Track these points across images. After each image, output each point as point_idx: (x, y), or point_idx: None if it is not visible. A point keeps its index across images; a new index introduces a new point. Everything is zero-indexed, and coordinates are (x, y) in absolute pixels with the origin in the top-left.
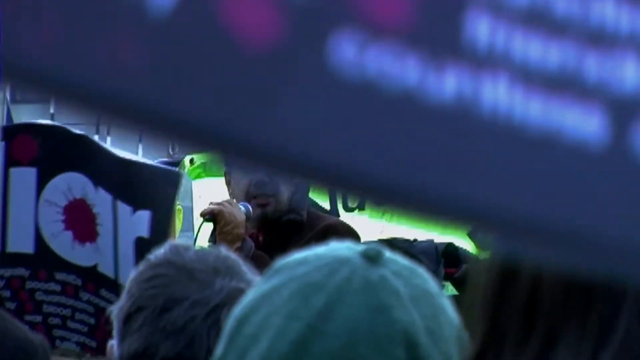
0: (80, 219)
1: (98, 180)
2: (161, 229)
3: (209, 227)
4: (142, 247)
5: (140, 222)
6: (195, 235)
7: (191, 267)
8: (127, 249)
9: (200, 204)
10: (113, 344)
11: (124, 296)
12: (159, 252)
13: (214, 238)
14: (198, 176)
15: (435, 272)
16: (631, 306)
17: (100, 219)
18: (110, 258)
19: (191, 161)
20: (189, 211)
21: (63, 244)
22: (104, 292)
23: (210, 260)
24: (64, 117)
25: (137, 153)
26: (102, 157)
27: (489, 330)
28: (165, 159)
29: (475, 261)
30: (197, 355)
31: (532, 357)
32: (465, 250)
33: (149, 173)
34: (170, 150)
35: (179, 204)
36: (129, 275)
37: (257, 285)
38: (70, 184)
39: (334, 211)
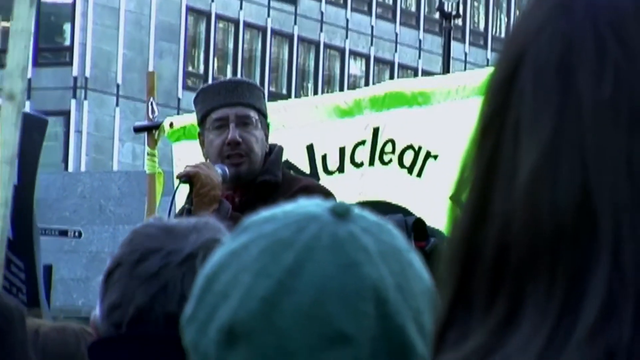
0: None
1: None
2: (30, 176)
3: (185, 189)
4: (15, 194)
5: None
6: (172, 197)
7: (171, 225)
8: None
9: (181, 168)
10: (96, 313)
11: (109, 260)
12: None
13: (190, 200)
14: (177, 139)
15: None
16: (607, 258)
17: None
18: None
19: (171, 125)
20: (169, 175)
21: None
22: None
23: (191, 221)
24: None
25: (114, 116)
26: None
27: (456, 296)
28: (145, 122)
29: (443, 234)
30: (171, 299)
31: (498, 320)
32: (431, 226)
33: None
34: (149, 114)
35: (159, 168)
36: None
37: (226, 243)
38: None
39: (314, 174)
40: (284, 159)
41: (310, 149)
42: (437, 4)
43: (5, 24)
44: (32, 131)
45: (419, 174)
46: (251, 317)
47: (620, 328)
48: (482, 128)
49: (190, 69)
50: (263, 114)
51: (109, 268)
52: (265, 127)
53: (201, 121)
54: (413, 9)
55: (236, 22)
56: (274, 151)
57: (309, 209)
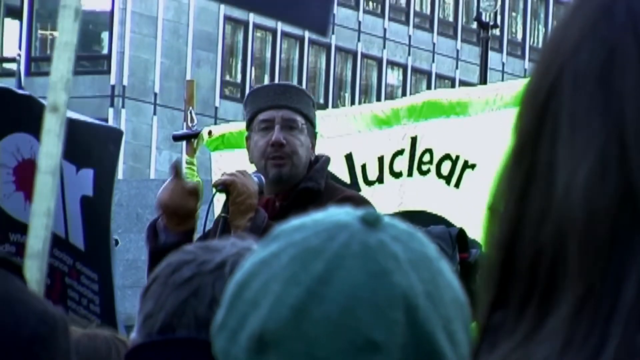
0: (30, 179)
1: None
2: (104, 187)
3: (222, 197)
4: (87, 205)
5: (84, 180)
6: (208, 206)
7: (208, 243)
8: (74, 208)
9: (219, 177)
10: (133, 336)
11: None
12: None
13: (226, 209)
14: (216, 148)
15: (451, 257)
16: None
17: None
18: (60, 217)
19: (209, 133)
20: (207, 184)
21: (15, 205)
22: (56, 252)
23: (229, 239)
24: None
25: (151, 125)
26: None
27: (495, 303)
28: (183, 131)
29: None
30: (202, 303)
31: (530, 324)
32: (471, 237)
33: (91, 131)
34: (188, 123)
35: (197, 177)
36: (78, 235)
37: (256, 251)
38: (19, 145)
39: (355, 183)
40: None
41: (349, 158)
42: (474, 14)
43: (42, 32)
44: (107, 142)
45: (457, 185)
46: (281, 326)
47: None
48: (519, 138)
49: (227, 78)
50: (310, 121)
51: (147, 284)
52: (312, 134)
53: (249, 123)
54: (451, 18)
55: (274, 32)
56: (321, 160)
57: (339, 217)
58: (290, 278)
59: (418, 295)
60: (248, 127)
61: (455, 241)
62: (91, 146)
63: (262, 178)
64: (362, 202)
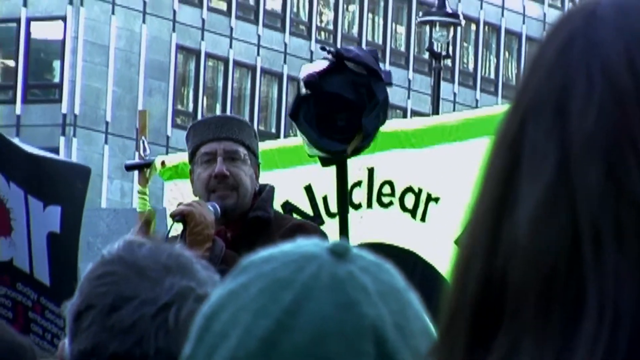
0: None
1: (10, 175)
2: (72, 224)
3: (179, 228)
4: (54, 242)
5: (51, 217)
6: (166, 236)
7: (142, 265)
8: (40, 244)
9: (173, 207)
10: (65, 343)
11: (76, 293)
12: (112, 248)
13: (184, 239)
14: (170, 177)
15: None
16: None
17: (14, 214)
18: (25, 253)
19: (162, 163)
20: (161, 213)
21: None
22: (20, 286)
23: (162, 258)
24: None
25: (102, 154)
26: (14, 152)
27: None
28: (136, 161)
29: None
30: (146, 353)
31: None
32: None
33: (59, 168)
34: (141, 152)
35: (150, 206)
36: (44, 270)
37: (225, 283)
38: None
39: (318, 215)
40: (284, 200)
41: (309, 190)
42: (426, 44)
43: None
44: (75, 179)
45: (423, 218)
46: (250, 357)
47: None
48: (490, 172)
49: (179, 107)
50: (253, 152)
51: (78, 307)
52: (256, 165)
53: (191, 156)
54: (402, 48)
55: (225, 61)
56: (266, 189)
57: (308, 249)
58: (259, 309)
59: (387, 326)
60: (191, 160)
61: None
62: (58, 183)
63: (218, 208)
64: (312, 229)
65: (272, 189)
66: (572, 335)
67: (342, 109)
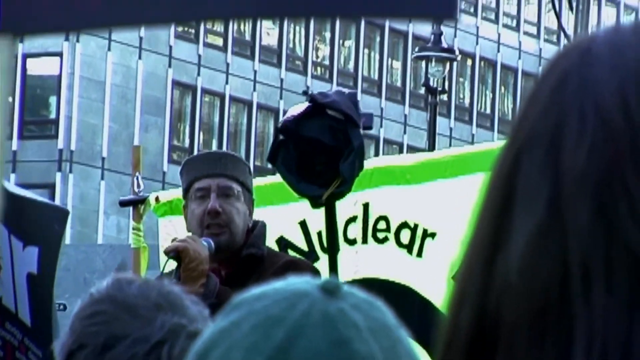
0: None
1: None
2: (48, 265)
3: (173, 264)
4: (33, 282)
5: (30, 257)
6: (160, 273)
7: (133, 303)
8: (22, 283)
9: (167, 243)
10: None
11: (66, 332)
12: (101, 286)
13: (178, 275)
14: (164, 214)
15: None
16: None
17: (2, 252)
18: (11, 292)
19: (157, 199)
20: (154, 249)
21: None
22: (8, 325)
23: (152, 296)
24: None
25: (99, 190)
26: None
27: None
28: (130, 197)
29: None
30: None
31: None
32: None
33: (38, 209)
34: (135, 188)
35: (144, 242)
36: (25, 310)
37: (217, 321)
38: None
39: (312, 251)
40: (278, 235)
41: (303, 225)
42: (422, 79)
43: None
44: (53, 221)
45: (420, 254)
46: None
47: None
48: (486, 206)
49: (175, 142)
50: (247, 189)
51: (69, 346)
52: (250, 201)
53: (185, 192)
54: (399, 84)
55: (222, 96)
56: (257, 226)
57: (299, 286)
58: (251, 347)
59: None
60: (185, 196)
61: None
62: (37, 224)
63: (212, 243)
64: (305, 266)
65: (263, 225)
66: None
67: (321, 153)
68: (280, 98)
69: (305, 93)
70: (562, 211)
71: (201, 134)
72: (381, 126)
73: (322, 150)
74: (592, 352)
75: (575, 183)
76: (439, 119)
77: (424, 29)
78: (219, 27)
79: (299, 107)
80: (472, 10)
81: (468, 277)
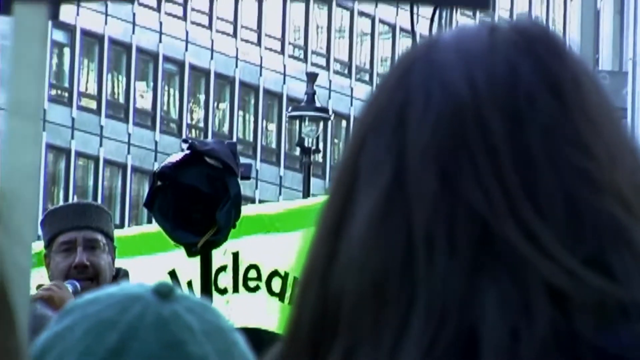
0: None
1: None
2: None
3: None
4: None
5: None
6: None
7: None
8: None
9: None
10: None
11: None
12: None
13: None
14: (33, 266)
15: None
16: (421, 312)
17: None
18: None
19: None
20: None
21: None
22: None
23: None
24: None
25: None
26: None
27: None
28: None
29: None
30: None
31: None
32: None
33: None
34: None
35: None
36: None
37: (50, 326)
38: None
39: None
40: None
41: (173, 275)
42: (297, 139)
43: None
44: None
45: (291, 302)
46: None
47: None
48: (328, 194)
49: (49, 206)
50: (110, 238)
51: None
52: (112, 250)
53: (48, 244)
54: (274, 145)
55: (96, 159)
56: (120, 274)
57: (133, 290)
58: (84, 350)
59: None
60: (47, 247)
61: None
62: None
63: (77, 284)
64: None
65: (126, 272)
66: (402, 335)
67: (198, 201)
68: (155, 160)
69: (185, 141)
70: (407, 182)
71: (75, 197)
72: (256, 188)
73: (200, 198)
74: (431, 312)
75: (420, 154)
76: (313, 179)
77: (298, 89)
78: (92, 90)
79: (178, 154)
80: (346, 72)
81: (313, 262)
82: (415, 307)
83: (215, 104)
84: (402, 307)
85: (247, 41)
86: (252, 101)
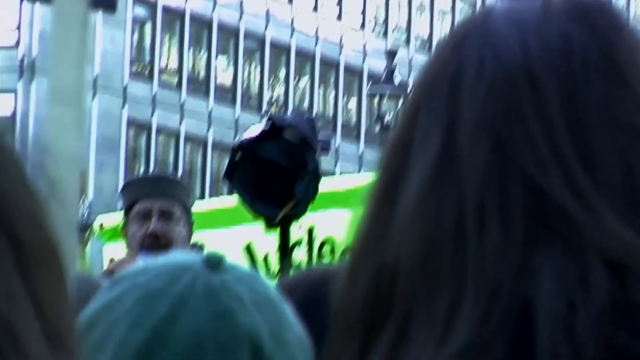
0: None
1: None
2: None
3: None
4: None
5: None
6: None
7: None
8: None
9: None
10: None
11: None
12: None
13: None
14: (109, 239)
15: None
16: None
17: None
18: None
19: (101, 226)
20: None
21: None
22: None
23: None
24: None
25: None
26: None
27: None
28: None
29: None
30: None
31: (389, 343)
32: None
33: None
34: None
35: (88, 269)
36: None
37: (99, 296)
38: None
39: None
40: None
41: (248, 249)
42: (376, 115)
43: None
44: None
45: None
46: None
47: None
48: (381, 164)
49: None
50: (187, 211)
51: None
52: (189, 224)
53: (126, 212)
54: (353, 121)
55: (177, 135)
56: (196, 249)
57: (182, 260)
58: (134, 320)
59: (263, 335)
60: (125, 216)
61: None
62: None
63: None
64: None
65: (201, 247)
66: (455, 307)
67: (277, 175)
68: (235, 136)
69: (264, 115)
70: (458, 150)
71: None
72: (336, 164)
73: (278, 171)
74: (484, 288)
75: (472, 122)
76: None
77: (378, 65)
78: (173, 65)
79: (257, 128)
80: (426, 48)
81: (366, 233)
82: (468, 279)
83: (296, 81)
84: (454, 279)
85: (327, 18)
86: (332, 78)
